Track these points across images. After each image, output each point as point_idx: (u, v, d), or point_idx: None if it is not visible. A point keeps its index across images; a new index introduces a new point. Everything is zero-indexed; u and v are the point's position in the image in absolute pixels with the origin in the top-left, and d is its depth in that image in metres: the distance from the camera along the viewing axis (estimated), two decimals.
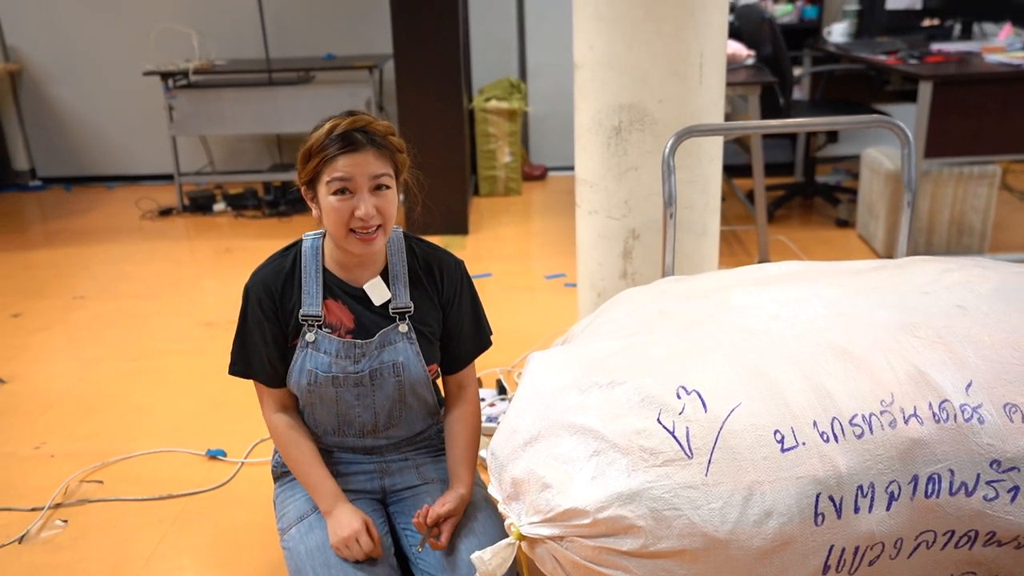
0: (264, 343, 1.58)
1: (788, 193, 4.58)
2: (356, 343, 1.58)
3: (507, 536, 1.37)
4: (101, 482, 2.31)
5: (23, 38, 5.51)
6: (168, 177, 5.38)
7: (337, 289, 1.60)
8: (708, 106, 2.32)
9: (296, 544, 1.58)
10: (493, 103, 4.99)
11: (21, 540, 2.07)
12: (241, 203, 5.01)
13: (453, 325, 1.68)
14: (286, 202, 4.95)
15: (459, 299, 1.68)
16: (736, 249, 4.02)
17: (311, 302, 1.58)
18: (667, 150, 2.00)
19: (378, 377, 1.60)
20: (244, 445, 2.46)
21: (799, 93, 4.85)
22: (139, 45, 5.40)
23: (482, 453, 2.31)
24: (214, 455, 2.41)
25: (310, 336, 1.57)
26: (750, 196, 4.31)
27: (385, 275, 1.62)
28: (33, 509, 2.19)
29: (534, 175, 5.55)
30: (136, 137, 5.67)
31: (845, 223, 4.28)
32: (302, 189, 1.56)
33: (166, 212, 4.99)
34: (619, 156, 2.34)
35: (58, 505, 2.21)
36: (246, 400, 2.73)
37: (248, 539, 2.06)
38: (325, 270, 1.60)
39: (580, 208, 2.54)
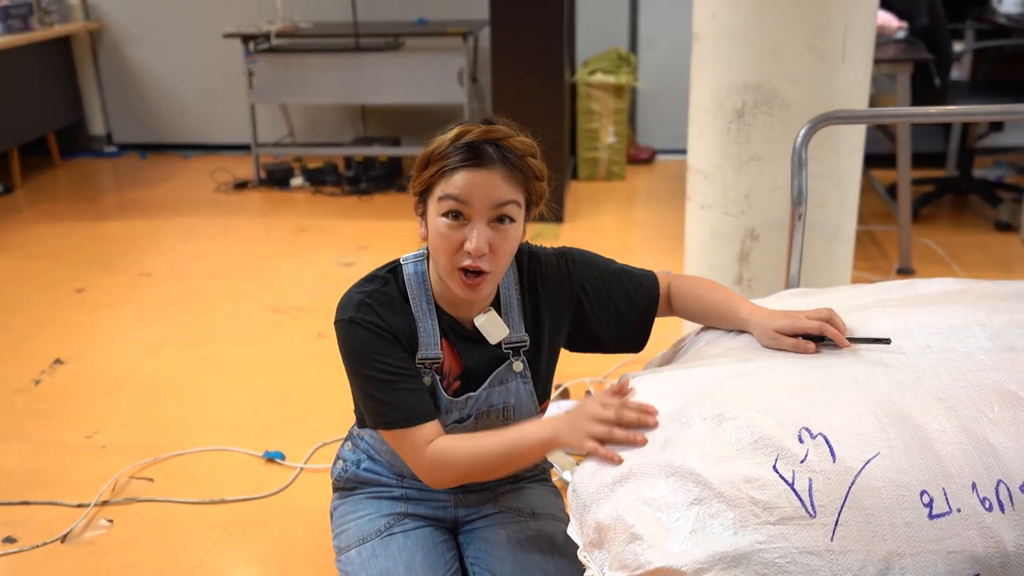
0: (407, 375, 1.40)
1: (938, 189, 4.30)
2: (468, 397, 1.47)
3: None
4: (151, 480, 2.34)
5: None
6: (245, 147, 5.49)
7: (448, 329, 1.45)
8: (851, 88, 2.15)
9: (356, 570, 1.53)
10: (598, 77, 4.86)
11: (64, 539, 2.11)
12: (320, 178, 5.06)
13: (606, 312, 1.53)
14: (368, 179, 4.97)
15: (587, 295, 1.53)
16: (872, 253, 3.78)
17: (429, 342, 1.43)
18: (799, 139, 1.85)
19: (483, 419, 1.50)
20: (305, 448, 2.45)
21: (957, 72, 4.52)
22: (221, 3, 5.51)
23: (564, 476, 2.22)
24: (272, 457, 2.41)
25: (427, 380, 1.45)
26: (891, 191, 4.06)
27: (496, 303, 1.48)
28: (79, 505, 2.23)
29: (640, 158, 5.40)
30: (214, 103, 5.81)
31: (1007, 227, 3.98)
32: (414, 200, 1.42)
33: (241, 185, 5.09)
34: (740, 143, 2.19)
35: (105, 503, 2.24)
36: (310, 397, 2.72)
37: (303, 555, 2.04)
38: (437, 305, 1.46)
39: (691, 201, 2.41)
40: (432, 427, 1.41)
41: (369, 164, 5.00)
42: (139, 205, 4.83)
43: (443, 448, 1.40)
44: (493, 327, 1.45)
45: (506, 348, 1.49)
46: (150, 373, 2.93)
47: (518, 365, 1.49)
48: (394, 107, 5.58)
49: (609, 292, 1.53)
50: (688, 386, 1.36)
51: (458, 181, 1.31)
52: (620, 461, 1.25)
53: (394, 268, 1.46)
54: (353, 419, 1.67)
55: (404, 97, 4.97)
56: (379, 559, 1.52)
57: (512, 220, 1.33)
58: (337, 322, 1.41)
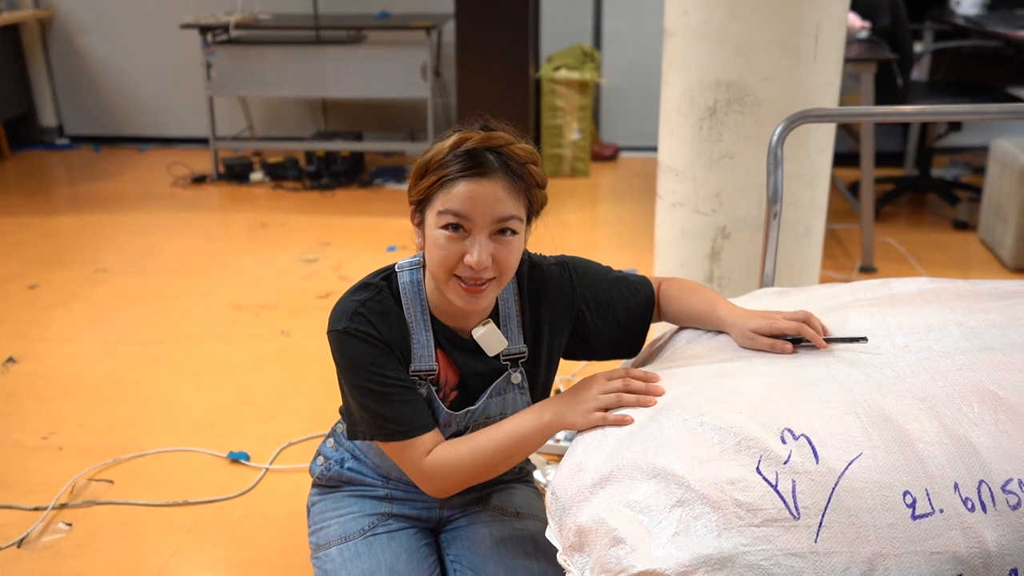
0: (403, 386, 1.37)
1: (897, 188, 4.36)
2: (468, 413, 1.45)
3: None
4: (111, 482, 2.28)
5: None
6: (203, 141, 5.38)
7: (443, 339, 1.43)
8: (822, 87, 2.16)
9: (336, 568, 1.50)
10: (563, 73, 4.85)
11: (20, 544, 2.04)
12: (280, 173, 4.98)
13: (605, 321, 1.51)
14: (329, 174, 4.90)
15: (588, 306, 1.51)
16: (835, 251, 3.83)
17: (423, 354, 1.40)
18: (775, 138, 1.85)
19: (479, 428, 1.48)
20: (270, 449, 2.40)
21: (916, 73, 4.60)
22: None
23: (536, 475, 2.21)
24: (236, 458, 2.36)
25: (423, 391, 1.42)
26: (852, 189, 4.11)
27: (495, 315, 1.45)
28: (36, 509, 2.16)
29: (604, 155, 5.40)
30: (170, 96, 5.69)
31: (965, 225, 4.05)
32: (410, 208, 1.38)
33: (199, 179, 4.99)
34: (712, 141, 2.20)
35: (63, 505, 2.18)
36: (274, 396, 2.68)
37: (271, 558, 2.00)
38: (432, 316, 1.44)
39: (662, 199, 2.41)
40: (431, 438, 1.39)
41: (331, 159, 4.94)
42: (93, 199, 4.71)
43: (442, 455, 1.38)
44: (492, 339, 1.42)
45: (504, 360, 1.46)
46: (108, 372, 2.85)
47: (516, 377, 1.46)
48: (356, 101, 5.52)
49: (609, 300, 1.51)
50: (668, 387, 1.34)
51: (459, 194, 1.27)
52: (631, 421, 1.27)
53: (388, 275, 1.43)
54: (334, 417, 1.65)
55: (366, 91, 4.92)
56: (362, 559, 1.50)
57: (514, 232, 1.30)
58: (330, 332, 1.37)
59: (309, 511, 1.64)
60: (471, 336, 1.42)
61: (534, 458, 2.29)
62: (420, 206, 1.34)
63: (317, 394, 2.67)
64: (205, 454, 2.39)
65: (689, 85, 2.20)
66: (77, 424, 2.55)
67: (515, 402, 1.47)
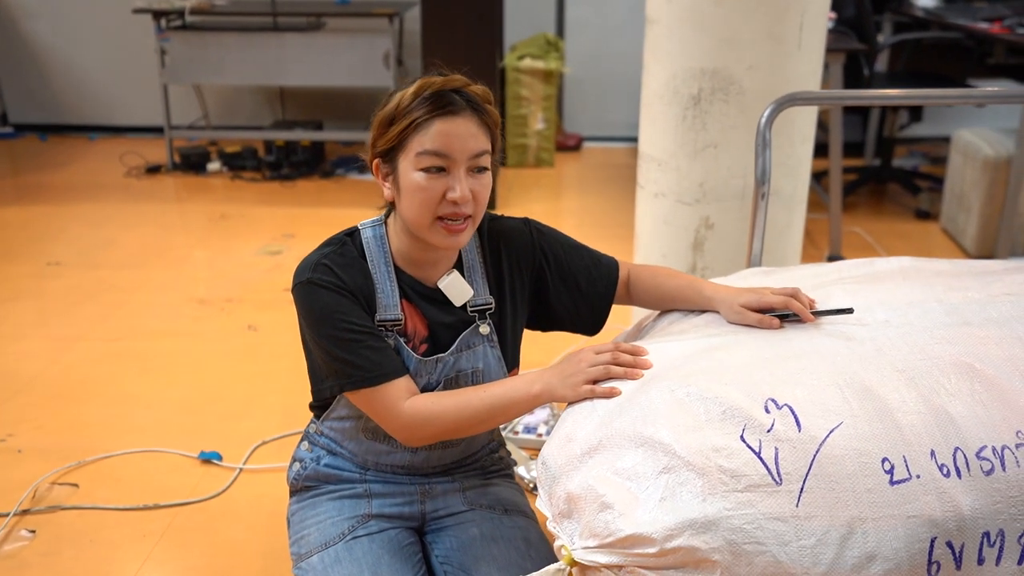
0: (370, 333, 1.38)
1: (861, 178, 4.40)
2: (438, 360, 1.44)
3: (555, 560, 1.28)
4: (76, 485, 2.18)
5: None
6: (157, 130, 5.23)
7: (409, 289, 1.45)
8: (805, 75, 2.15)
9: None
10: (527, 62, 4.81)
11: None
12: (239, 163, 4.86)
13: (565, 285, 1.55)
14: (290, 164, 4.80)
15: (548, 263, 1.54)
16: (802, 241, 3.84)
17: (388, 303, 1.42)
18: (763, 120, 1.85)
19: (453, 386, 1.47)
20: (243, 448, 2.32)
21: (877, 65, 4.65)
22: None
23: (520, 471, 2.17)
24: (208, 458, 2.28)
25: (390, 341, 1.42)
26: (815, 179, 4.13)
27: (459, 265, 1.48)
28: None
29: (568, 145, 5.37)
30: (122, 83, 5.51)
31: (927, 215, 4.11)
32: (373, 163, 1.41)
33: (154, 169, 4.84)
34: (696, 131, 2.17)
35: (25, 511, 2.08)
36: (245, 393, 2.60)
37: (249, 561, 1.93)
38: (395, 266, 1.45)
39: (643, 189, 2.38)
40: (404, 383, 1.40)
41: (291, 149, 4.83)
42: (41, 190, 4.54)
43: (424, 404, 1.39)
44: (456, 289, 1.46)
45: (472, 311, 1.48)
46: (65, 370, 2.74)
47: (484, 328, 1.49)
48: (314, 89, 5.41)
49: (570, 265, 1.56)
50: (656, 360, 1.38)
51: (435, 133, 1.31)
52: (619, 393, 1.30)
53: (351, 232, 1.46)
54: (306, 413, 1.61)
55: (326, 79, 4.82)
56: (343, 564, 1.46)
57: (485, 169, 1.37)
58: (295, 287, 1.40)
59: (289, 521, 1.61)
60: (437, 287, 1.46)
61: (517, 454, 2.25)
62: (389, 155, 1.37)
63: (289, 390, 2.59)
64: (175, 455, 2.31)
65: (673, 74, 2.17)
66: (35, 425, 2.44)
67: (486, 356, 1.49)
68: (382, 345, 1.39)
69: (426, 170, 1.32)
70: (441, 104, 1.31)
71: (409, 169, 1.34)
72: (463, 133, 1.32)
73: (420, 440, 1.42)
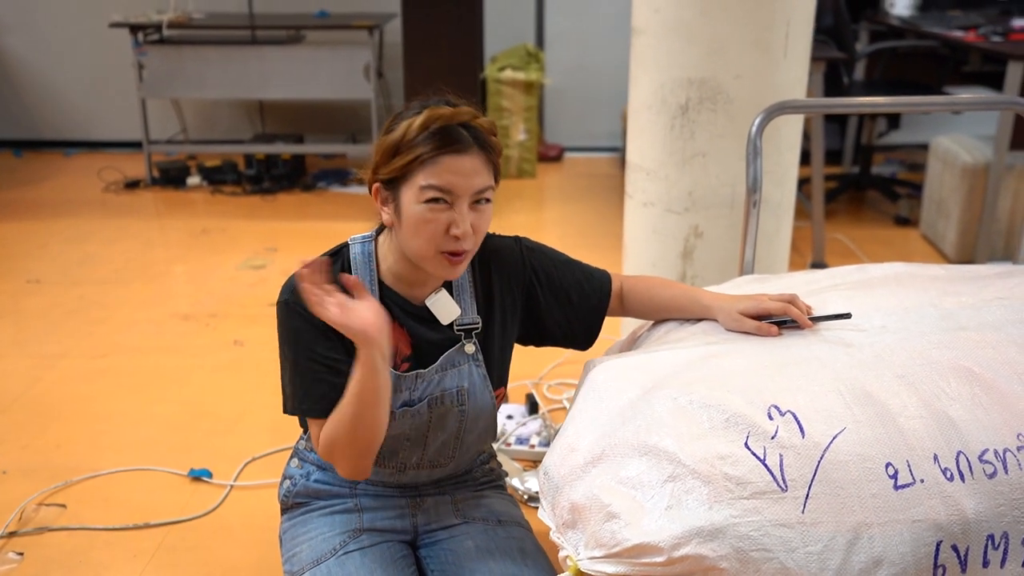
0: (327, 366, 1.38)
1: (841, 185, 4.45)
2: (419, 375, 1.43)
3: (561, 572, 1.27)
4: (64, 506, 2.15)
5: None
6: (135, 145, 5.18)
7: (395, 307, 1.44)
8: (792, 83, 2.17)
9: None
10: (508, 73, 4.82)
11: None
12: (219, 177, 4.83)
13: (557, 300, 1.55)
14: (270, 178, 4.77)
15: (539, 280, 1.54)
16: None
17: None
18: (754, 128, 1.87)
19: (438, 406, 1.47)
20: (233, 465, 2.30)
21: (854, 73, 4.71)
22: None
23: (513, 482, 2.16)
24: (198, 476, 2.25)
25: None
26: (798, 187, 4.17)
27: (448, 286, 1.48)
28: None
29: (549, 156, 5.39)
30: (98, 98, 5.46)
31: (906, 221, 4.15)
32: (373, 186, 1.39)
33: (133, 184, 4.80)
34: (684, 140, 2.18)
35: (12, 534, 2.05)
36: (233, 409, 2.57)
37: None
38: (381, 283, 1.45)
39: (632, 199, 2.39)
40: None
41: (272, 162, 4.81)
42: (18, 206, 4.48)
43: (324, 433, 1.37)
44: (444, 307, 1.46)
45: (458, 329, 1.48)
46: (49, 388, 2.70)
47: (470, 347, 1.48)
48: (294, 103, 5.39)
49: (561, 280, 1.56)
50: (656, 369, 1.38)
51: (442, 170, 1.30)
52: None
53: (340, 249, 1.46)
54: (296, 429, 1.60)
55: (305, 92, 4.80)
56: None
57: (488, 201, 1.37)
58: (277, 304, 1.42)
59: (281, 540, 1.59)
60: (424, 304, 1.45)
61: (509, 466, 2.25)
62: (391, 184, 1.36)
63: (278, 405, 2.50)
64: (164, 472, 2.28)
65: (660, 84, 2.18)
66: (20, 445, 2.40)
67: (471, 375, 1.48)
68: (337, 381, 1.36)
69: (429, 202, 1.31)
70: (448, 141, 1.30)
71: (412, 201, 1.32)
72: (469, 171, 1.31)
73: (348, 471, 1.38)
